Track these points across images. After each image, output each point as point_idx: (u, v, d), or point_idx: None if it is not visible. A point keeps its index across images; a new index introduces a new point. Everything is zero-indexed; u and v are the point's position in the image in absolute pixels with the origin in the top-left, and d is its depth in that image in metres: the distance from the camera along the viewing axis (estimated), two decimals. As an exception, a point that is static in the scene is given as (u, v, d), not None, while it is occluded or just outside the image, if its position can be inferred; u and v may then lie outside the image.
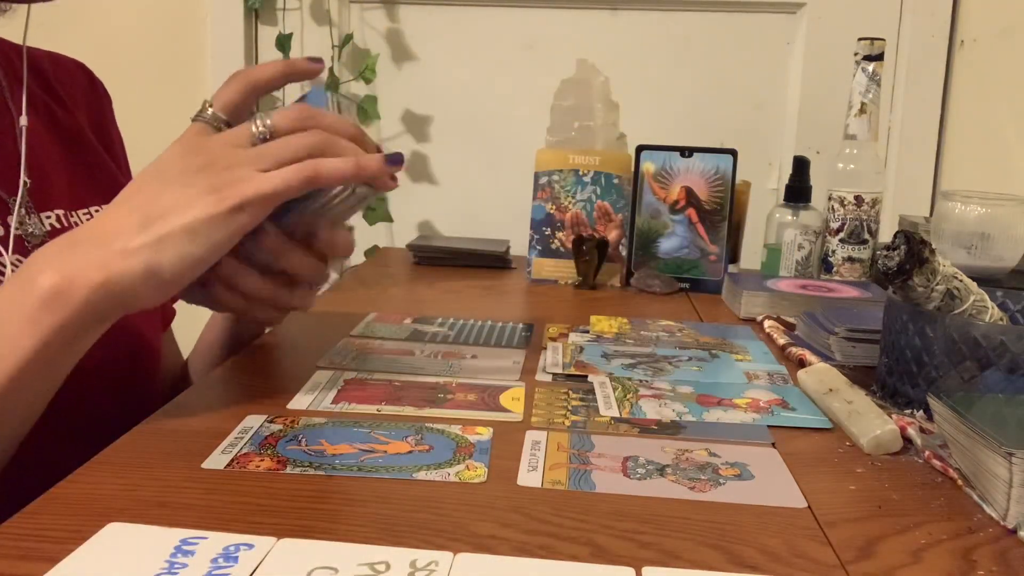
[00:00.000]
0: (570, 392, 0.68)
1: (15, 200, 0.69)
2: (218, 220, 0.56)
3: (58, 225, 0.71)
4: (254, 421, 0.59)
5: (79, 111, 0.81)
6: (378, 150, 0.64)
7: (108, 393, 0.71)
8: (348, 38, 1.50)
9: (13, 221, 0.67)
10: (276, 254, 0.63)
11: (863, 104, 1.09)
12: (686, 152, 1.11)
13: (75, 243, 0.56)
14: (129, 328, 0.70)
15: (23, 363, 0.53)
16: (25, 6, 0.72)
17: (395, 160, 0.63)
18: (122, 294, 0.55)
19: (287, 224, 0.63)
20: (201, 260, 0.57)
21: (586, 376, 0.72)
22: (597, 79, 1.15)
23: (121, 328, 0.61)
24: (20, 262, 0.66)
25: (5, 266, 0.65)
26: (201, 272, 0.59)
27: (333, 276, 0.70)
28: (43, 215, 0.71)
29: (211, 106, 0.63)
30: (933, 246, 0.66)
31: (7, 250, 0.66)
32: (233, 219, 0.57)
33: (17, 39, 0.74)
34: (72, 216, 0.73)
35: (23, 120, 0.70)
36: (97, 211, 0.75)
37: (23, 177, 0.69)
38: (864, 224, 1.09)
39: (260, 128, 0.60)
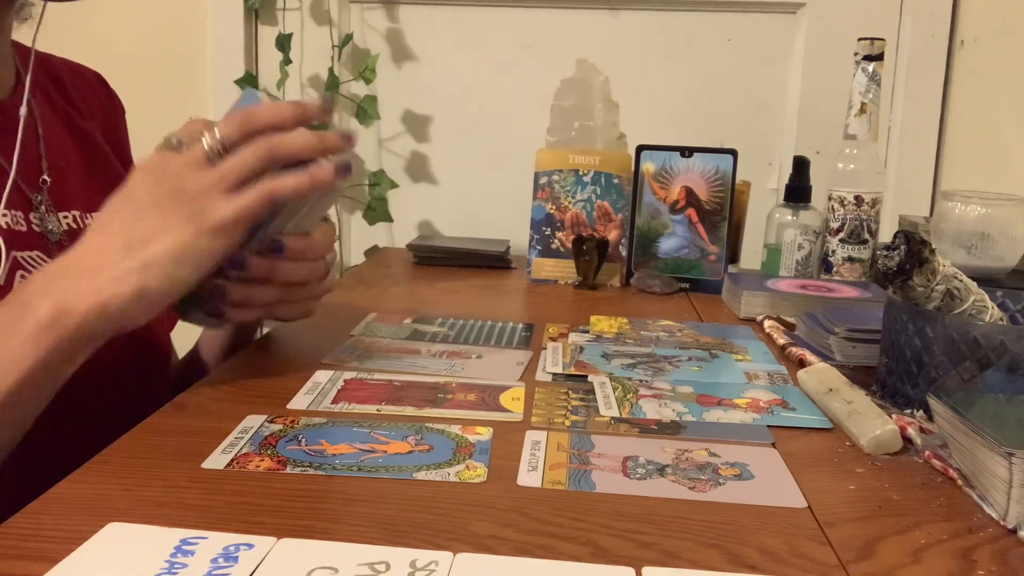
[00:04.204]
0: (570, 392, 0.68)
1: (37, 196, 0.72)
2: (198, 244, 0.60)
3: (74, 225, 0.74)
4: (254, 421, 0.59)
5: (95, 119, 0.83)
6: (326, 110, 0.66)
7: (123, 394, 0.72)
8: (348, 38, 1.50)
9: (5, 194, 0.68)
10: (267, 274, 0.67)
11: (863, 104, 1.09)
12: (686, 152, 1.11)
13: (66, 271, 0.59)
14: (143, 330, 0.71)
15: (23, 378, 0.56)
16: (41, 6, 0.73)
17: (344, 169, 0.65)
18: (113, 315, 0.58)
19: (262, 240, 0.66)
20: (186, 280, 0.61)
21: (586, 376, 0.72)
22: (597, 79, 1.15)
23: (135, 330, 0.62)
24: (40, 258, 0.69)
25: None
26: (186, 290, 0.62)
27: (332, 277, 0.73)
28: (61, 215, 0.73)
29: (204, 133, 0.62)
30: (933, 246, 0.66)
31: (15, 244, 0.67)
32: (211, 242, 0.61)
33: (26, 41, 0.75)
34: (87, 218, 0.76)
35: (22, 110, 0.72)
36: None
37: (13, 172, 0.70)
38: (864, 224, 1.09)
39: (211, 144, 0.62)
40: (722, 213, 1.11)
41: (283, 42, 1.48)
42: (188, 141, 0.63)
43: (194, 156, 0.62)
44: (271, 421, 0.59)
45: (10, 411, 0.56)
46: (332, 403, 0.64)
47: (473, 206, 1.54)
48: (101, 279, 0.58)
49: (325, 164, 0.64)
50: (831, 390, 0.66)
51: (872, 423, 0.60)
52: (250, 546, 0.43)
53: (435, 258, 1.23)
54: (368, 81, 1.50)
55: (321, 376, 0.69)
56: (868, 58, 1.08)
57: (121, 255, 0.58)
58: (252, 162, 0.62)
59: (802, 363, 0.77)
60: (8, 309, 0.58)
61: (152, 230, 0.59)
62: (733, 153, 1.11)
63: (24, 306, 0.57)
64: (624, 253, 1.12)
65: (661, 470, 0.54)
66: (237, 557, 0.42)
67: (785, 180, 1.15)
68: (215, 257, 0.62)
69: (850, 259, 1.10)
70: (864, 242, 1.09)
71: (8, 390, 0.55)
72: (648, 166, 1.12)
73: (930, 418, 0.60)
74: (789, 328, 0.90)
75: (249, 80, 1.50)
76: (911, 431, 0.60)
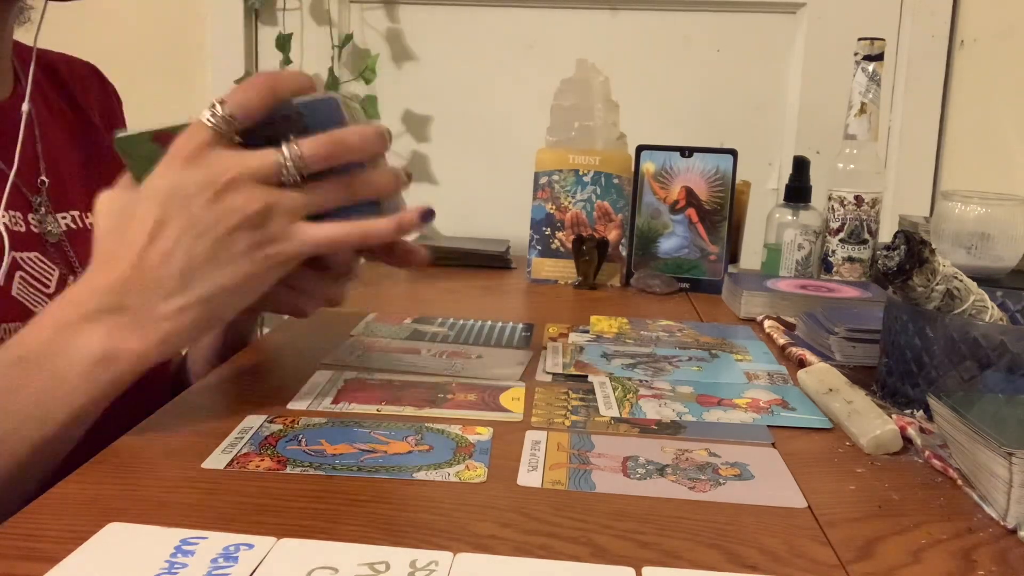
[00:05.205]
0: (570, 392, 0.68)
1: (37, 198, 0.72)
2: (261, 277, 0.57)
3: (74, 226, 0.74)
4: (254, 421, 0.59)
5: (93, 112, 0.83)
6: (407, 176, 0.62)
7: (123, 394, 0.72)
8: (348, 38, 1.50)
9: (5, 196, 0.68)
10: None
11: (863, 104, 1.09)
12: (686, 152, 1.11)
13: (118, 302, 0.54)
14: None
15: (72, 416, 0.54)
16: (41, 8, 0.73)
17: (428, 217, 0.61)
18: (167, 352, 0.56)
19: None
20: (241, 308, 0.58)
21: (586, 376, 0.72)
22: (597, 79, 1.15)
23: None
24: (39, 259, 0.69)
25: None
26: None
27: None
28: (60, 216, 0.73)
29: (221, 103, 0.55)
30: (933, 246, 0.66)
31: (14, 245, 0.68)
32: (275, 273, 0.57)
33: (27, 40, 0.75)
34: (88, 217, 0.75)
35: (25, 106, 0.72)
36: None
37: (13, 173, 0.70)
38: (864, 224, 1.09)
39: (288, 162, 0.55)
40: (722, 213, 1.11)
41: (283, 42, 1.48)
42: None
43: (262, 167, 0.55)
44: (271, 421, 0.59)
45: (53, 447, 0.55)
46: (332, 403, 0.63)
47: (473, 206, 1.54)
48: (154, 317, 0.54)
49: (413, 214, 0.60)
50: (831, 390, 0.66)
51: (872, 423, 0.60)
52: (250, 546, 0.43)
53: (435, 258, 1.22)
54: (368, 81, 1.50)
55: (321, 376, 0.69)
56: (868, 58, 1.08)
57: (178, 283, 0.54)
58: (338, 202, 0.57)
59: (802, 363, 0.77)
60: (49, 342, 0.54)
61: (213, 258, 0.54)
62: (733, 153, 1.11)
63: (70, 336, 0.54)
64: (624, 253, 1.12)
65: (661, 470, 0.54)
66: (237, 557, 0.42)
67: (785, 180, 1.15)
68: (273, 282, 0.58)
69: (850, 259, 1.10)
70: (864, 242, 1.09)
71: (54, 432, 0.54)
72: (648, 166, 1.12)
73: (930, 418, 0.60)
74: (789, 328, 0.90)
75: (249, 80, 1.50)
76: (911, 431, 0.60)
